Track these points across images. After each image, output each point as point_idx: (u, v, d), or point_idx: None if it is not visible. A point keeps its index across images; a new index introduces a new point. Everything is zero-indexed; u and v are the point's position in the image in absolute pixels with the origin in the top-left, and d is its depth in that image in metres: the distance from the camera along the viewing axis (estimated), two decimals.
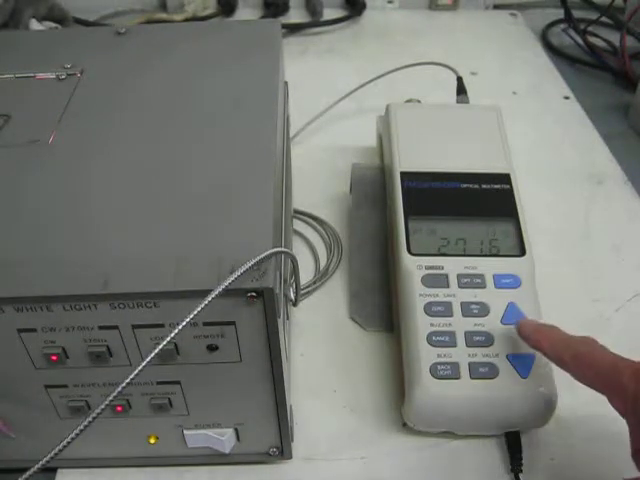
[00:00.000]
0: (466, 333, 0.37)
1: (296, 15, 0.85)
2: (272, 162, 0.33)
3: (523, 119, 0.65)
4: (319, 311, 0.46)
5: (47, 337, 0.29)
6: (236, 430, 0.35)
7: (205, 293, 0.26)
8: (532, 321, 0.37)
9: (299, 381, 0.41)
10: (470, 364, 0.36)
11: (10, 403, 0.32)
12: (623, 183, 0.58)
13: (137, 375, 0.26)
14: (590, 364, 0.32)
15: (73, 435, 0.25)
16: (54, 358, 0.29)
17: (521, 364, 0.36)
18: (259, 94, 0.39)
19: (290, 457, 0.36)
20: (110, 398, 0.26)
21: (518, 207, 0.43)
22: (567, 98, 0.70)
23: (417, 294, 0.39)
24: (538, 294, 0.40)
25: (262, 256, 0.27)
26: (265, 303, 0.28)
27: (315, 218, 0.54)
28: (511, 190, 0.44)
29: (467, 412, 0.36)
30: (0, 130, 0.36)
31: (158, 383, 0.32)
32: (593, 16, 0.80)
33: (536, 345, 0.36)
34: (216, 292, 0.26)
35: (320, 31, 0.82)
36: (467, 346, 0.37)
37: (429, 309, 0.38)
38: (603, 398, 0.33)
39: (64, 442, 0.25)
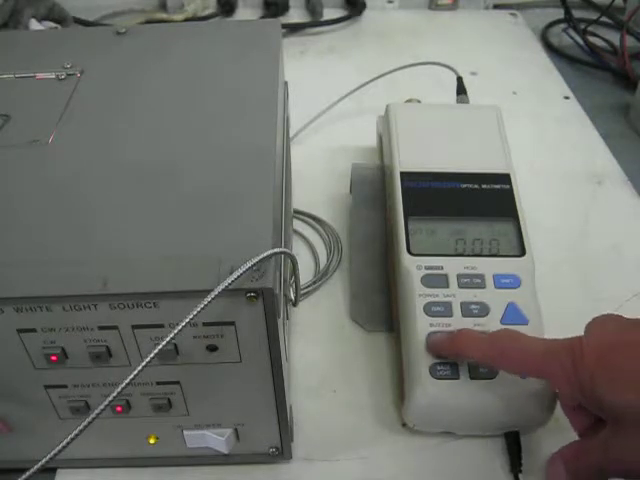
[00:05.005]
0: None
1: (296, 15, 0.85)
2: (272, 162, 0.33)
3: (523, 119, 0.65)
4: (319, 311, 0.46)
5: (47, 337, 0.29)
6: (236, 430, 0.34)
7: (205, 293, 0.26)
8: (440, 334, 0.37)
9: (299, 381, 0.41)
10: (470, 364, 0.36)
11: (10, 403, 0.32)
12: (623, 183, 0.58)
13: (137, 375, 0.26)
14: (521, 354, 0.32)
15: (73, 435, 0.25)
16: (54, 358, 0.29)
17: None
18: (259, 94, 0.39)
19: (290, 457, 0.36)
20: (110, 398, 0.26)
21: (518, 207, 0.43)
22: (567, 98, 0.70)
23: (417, 294, 0.39)
24: (538, 294, 0.40)
25: (262, 256, 0.27)
26: (265, 303, 0.28)
27: (315, 218, 0.54)
28: (511, 190, 0.44)
29: (466, 412, 0.36)
30: (0, 130, 0.36)
31: (158, 383, 0.32)
32: (593, 16, 0.80)
33: (459, 353, 0.35)
34: (216, 292, 0.26)
35: (320, 31, 0.82)
36: None
37: (429, 309, 0.38)
38: None
39: (64, 442, 0.25)
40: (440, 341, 0.36)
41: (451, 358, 0.36)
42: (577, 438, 0.34)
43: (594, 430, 0.32)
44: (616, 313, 0.32)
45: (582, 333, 0.32)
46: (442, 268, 0.40)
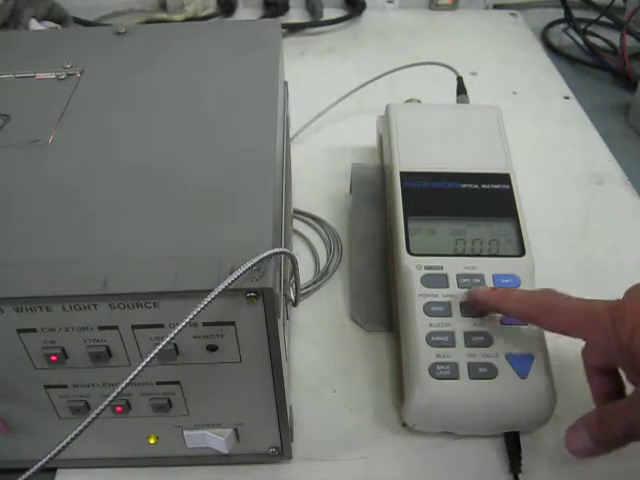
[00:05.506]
0: (465, 333, 0.37)
1: (296, 15, 0.85)
2: (272, 162, 0.33)
3: (523, 119, 0.65)
4: (319, 311, 0.46)
5: (47, 337, 0.29)
6: (236, 430, 0.35)
7: (205, 293, 0.26)
8: (483, 287, 0.38)
9: (299, 381, 0.41)
10: (469, 364, 0.36)
11: (10, 403, 0.32)
12: (623, 183, 0.58)
13: (137, 375, 0.26)
14: (563, 312, 0.33)
15: (73, 435, 0.25)
16: (54, 358, 0.29)
17: (520, 364, 0.36)
18: (259, 94, 0.39)
19: (290, 457, 0.36)
20: (110, 398, 0.26)
21: (518, 207, 0.43)
22: (567, 98, 0.70)
23: (416, 294, 0.39)
24: None
25: (262, 256, 0.27)
26: (265, 303, 0.28)
27: (315, 218, 0.54)
28: (511, 190, 0.44)
29: (466, 412, 0.36)
30: (0, 130, 0.36)
31: (158, 383, 0.32)
32: (593, 16, 0.80)
33: (498, 307, 0.37)
34: (216, 292, 0.26)
35: (320, 31, 0.82)
36: (466, 346, 0.37)
37: (428, 309, 0.38)
38: None
39: (64, 442, 0.25)
40: (481, 292, 0.37)
41: (488, 310, 0.37)
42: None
43: (611, 397, 0.33)
44: None
45: None
46: (442, 268, 0.40)
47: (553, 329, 0.34)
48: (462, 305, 0.38)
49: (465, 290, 0.39)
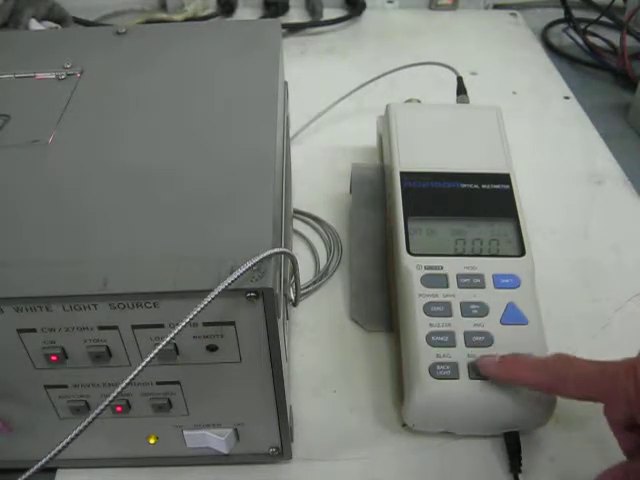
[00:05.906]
0: (465, 333, 0.37)
1: (296, 15, 0.85)
2: (272, 162, 0.33)
3: (523, 119, 0.65)
4: (319, 311, 0.46)
5: (47, 337, 0.29)
6: (236, 430, 0.35)
7: (205, 293, 0.26)
8: (491, 357, 0.36)
9: (299, 381, 0.41)
10: (469, 364, 0.36)
11: (10, 403, 0.32)
12: (623, 183, 0.58)
13: (137, 375, 0.26)
14: (578, 378, 0.32)
15: (73, 435, 0.25)
16: (54, 358, 0.29)
17: None
18: (259, 94, 0.39)
19: (290, 457, 0.36)
20: (110, 398, 0.26)
21: (518, 207, 0.43)
22: (567, 98, 0.70)
23: (416, 294, 0.39)
24: (538, 294, 0.40)
25: (262, 256, 0.27)
26: (265, 303, 0.28)
27: (315, 218, 0.54)
28: (511, 190, 0.44)
29: (466, 412, 0.36)
30: (0, 130, 0.36)
31: (158, 383, 0.32)
32: (593, 16, 0.80)
33: (513, 378, 0.35)
34: (216, 292, 0.26)
35: (320, 31, 0.82)
36: (466, 346, 0.37)
37: (428, 309, 0.38)
38: None
39: (64, 442, 0.25)
40: (490, 364, 0.36)
41: (501, 382, 0.35)
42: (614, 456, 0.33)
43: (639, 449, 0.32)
44: (619, 316, 0.32)
45: (592, 338, 0.31)
46: (442, 268, 0.40)
47: (570, 396, 0.33)
48: (470, 366, 0.36)
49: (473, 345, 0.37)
